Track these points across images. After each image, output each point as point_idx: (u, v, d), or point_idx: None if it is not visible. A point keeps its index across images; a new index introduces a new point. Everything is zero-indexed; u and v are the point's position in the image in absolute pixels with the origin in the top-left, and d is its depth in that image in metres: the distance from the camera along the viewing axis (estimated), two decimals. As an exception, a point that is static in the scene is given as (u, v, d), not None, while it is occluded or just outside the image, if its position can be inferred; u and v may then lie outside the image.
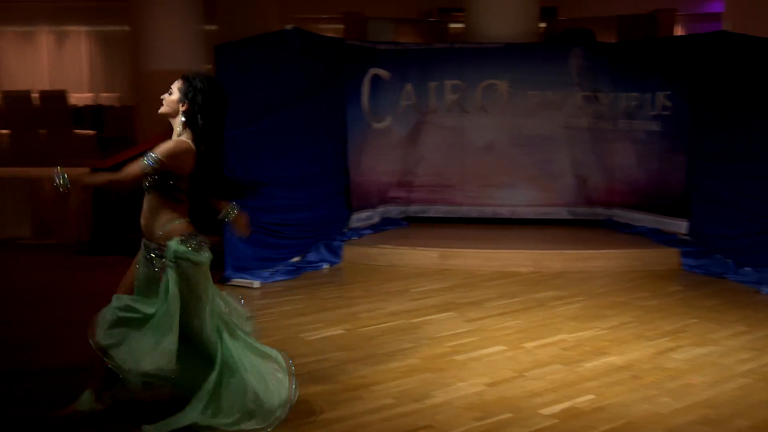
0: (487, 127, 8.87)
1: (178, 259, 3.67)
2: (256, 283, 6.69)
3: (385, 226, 8.61)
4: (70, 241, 8.55)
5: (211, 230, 7.50)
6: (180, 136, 3.77)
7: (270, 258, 7.16)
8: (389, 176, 8.91)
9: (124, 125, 11.98)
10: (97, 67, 18.10)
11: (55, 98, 10.28)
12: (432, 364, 4.74)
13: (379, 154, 8.75)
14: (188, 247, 3.70)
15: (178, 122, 3.81)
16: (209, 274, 3.85)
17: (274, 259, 7.19)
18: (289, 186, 7.46)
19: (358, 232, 8.18)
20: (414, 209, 9.06)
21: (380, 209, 8.82)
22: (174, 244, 3.69)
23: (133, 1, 10.11)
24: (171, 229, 3.73)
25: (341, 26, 13.72)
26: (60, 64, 18.18)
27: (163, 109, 3.84)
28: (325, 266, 7.45)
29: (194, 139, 3.74)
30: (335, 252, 7.63)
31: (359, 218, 8.44)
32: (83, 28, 18.10)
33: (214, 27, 12.73)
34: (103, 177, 3.90)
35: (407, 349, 5.02)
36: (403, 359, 4.83)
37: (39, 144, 10.16)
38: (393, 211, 8.98)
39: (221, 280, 6.75)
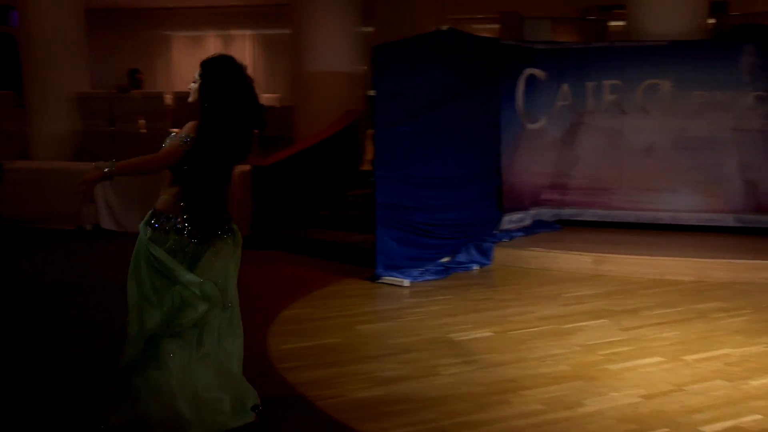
0: (647, 128, 8.49)
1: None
2: (406, 282, 6.74)
3: (536, 228, 8.44)
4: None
5: (363, 228, 7.65)
6: None
7: (420, 257, 7.19)
8: (542, 178, 8.73)
9: (284, 125, 12.40)
10: (260, 68, 18.88)
11: (220, 99, 10.79)
12: (584, 372, 4.58)
13: (533, 155, 8.59)
14: (146, 223, 3.60)
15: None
16: (160, 264, 3.54)
17: (424, 258, 7.21)
18: (441, 186, 7.47)
19: (509, 234, 8.06)
20: (567, 212, 8.82)
21: (532, 211, 8.66)
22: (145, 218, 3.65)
23: (295, 5, 10.46)
24: (156, 203, 3.66)
25: (497, 26, 13.59)
26: (227, 67, 19.09)
27: (190, 98, 3.72)
28: (475, 267, 7.39)
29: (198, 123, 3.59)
30: (485, 253, 7.56)
31: (510, 220, 8.32)
32: (248, 32, 18.95)
33: (371, 29, 12.95)
34: (127, 163, 3.54)
35: (558, 355, 4.89)
36: (554, 365, 4.70)
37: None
38: (545, 213, 8.78)
39: (372, 277, 6.86)
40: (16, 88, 11.91)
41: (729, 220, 8.37)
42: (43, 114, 10.90)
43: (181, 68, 19.33)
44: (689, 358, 4.85)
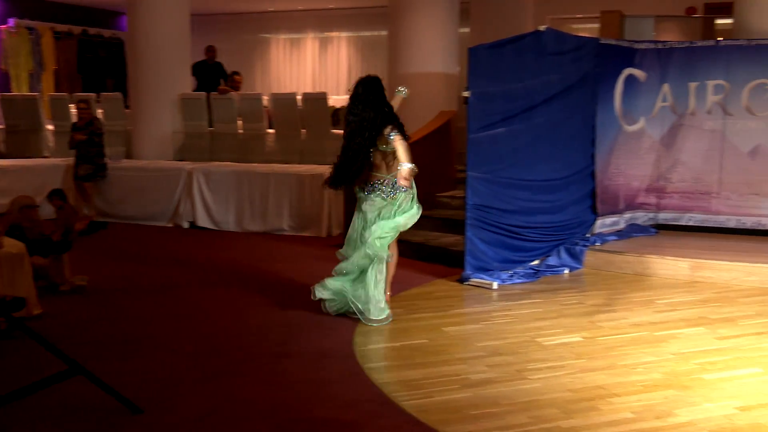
0: (753, 130, 8.15)
1: None
2: (495, 284, 6.69)
3: (631, 232, 8.21)
4: (321, 234, 9.10)
5: (453, 230, 7.60)
6: None
7: (510, 260, 7.12)
8: (639, 181, 8.50)
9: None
10: (355, 70, 19.09)
11: (316, 100, 10.95)
12: (676, 381, 4.44)
13: (630, 157, 8.37)
14: None
15: None
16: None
17: (513, 261, 7.14)
18: (534, 188, 7.37)
19: (601, 237, 7.88)
20: (664, 216, 8.55)
21: (627, 215, 8.43)
22: None
23: (392, 7, 10.52)
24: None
25: (597, 25, 13.31)
26: (323, 68, 19.42)
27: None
28: (566, 271, 7.27)
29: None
30: (577, 257, 7.42)
31: (604, 224, 8.12)
32: (344, 34, 19.18)
33: (467, 30, 12.90)
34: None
35: (650, 363, 4.76)
36: (645, 373, 4.58)
37: (300, 143, 10.91)
38: (641, 217, 8.55)
39: (460, 279, 6.84)
40: (125, 90, 12.43)
41: (840, 228, 7.94)
42: (148, 115, 11.35)
43: (279, 70, 19.77)
44: (792, 370, 4.64)
